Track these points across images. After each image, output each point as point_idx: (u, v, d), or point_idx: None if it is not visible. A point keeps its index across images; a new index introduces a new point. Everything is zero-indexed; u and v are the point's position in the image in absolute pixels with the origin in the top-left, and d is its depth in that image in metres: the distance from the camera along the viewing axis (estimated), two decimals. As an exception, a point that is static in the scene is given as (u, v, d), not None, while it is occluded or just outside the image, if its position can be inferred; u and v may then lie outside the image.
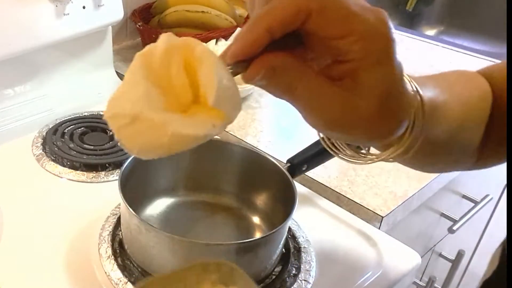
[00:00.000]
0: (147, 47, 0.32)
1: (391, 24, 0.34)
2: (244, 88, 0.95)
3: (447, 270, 1.12)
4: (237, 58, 0.33)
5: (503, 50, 1.45)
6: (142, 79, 0.28)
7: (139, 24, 1.08)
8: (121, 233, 0.64)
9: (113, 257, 0.62)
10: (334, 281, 0.64)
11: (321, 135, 0.45)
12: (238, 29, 1.04)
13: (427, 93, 0.40)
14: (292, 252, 0.65)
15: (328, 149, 0.44)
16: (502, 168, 0.49)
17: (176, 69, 0.29)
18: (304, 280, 0.62)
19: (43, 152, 0.81)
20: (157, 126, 0.28)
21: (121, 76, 1.06)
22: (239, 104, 0.31)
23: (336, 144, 0.45)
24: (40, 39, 0.85)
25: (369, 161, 0.43)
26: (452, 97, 0.44)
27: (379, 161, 0.42)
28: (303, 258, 0.65)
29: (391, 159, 0.41)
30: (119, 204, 0.68)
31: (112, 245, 0.64)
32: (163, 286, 0.41)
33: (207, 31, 1.06)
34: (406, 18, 1.67)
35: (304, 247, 0.66)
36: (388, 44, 0.34)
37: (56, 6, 0.85)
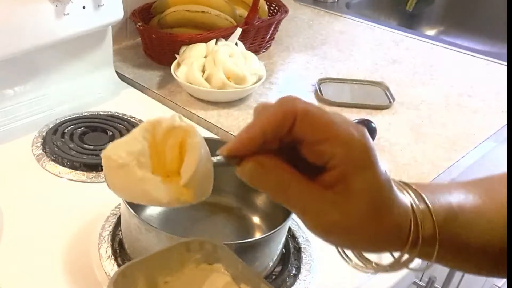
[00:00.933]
0: (158, 118, 0.36)
1: (369, 137, 0.37)
2: (244, 88, 0.95)
3: (447, 270, 1.12)
4: (230, 153, 0.37)
5: (503, 50, 1.45)
6: (142, 140, 0.34)
7: (139, 24, 1.08)
8: (121, 233, 0.64)
9: (113, 257, 0.62)
10: (334, 281, 0.64)
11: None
12: (238, 29, 1.04)
13: (451, 199, 0.41)
14: (292, 252, 0.65)
15: (341, 257, 0.45)
16: (502, 168, 0.49)
17: (173, 144, 0.35)
18: (304, 280, 0.62)
19: (43, 152, 0.81)
20: (136, 180, 0.34)
21: (121, 76, 1.06)
22: (207, 193, 0.36)
23: (347, 253, 0.45)
24: (40, 39, 0.85)
25: (382, 270, 0.43)
26: (489, 200, 0.43)
27: (393, 271, 0.42)
28: (303, 258, 0.65)
29: (405, 267, 0.41)
30: (119, 204, 0.68)
31: (112, 245, 0.64)
32: (146, 268, 0.41)
33: (207, 31, 1.06)
34: (406, 18, 1.67)
35: (304, 247, 0.66)
36: (367, 151, 0.36)
37: (56, 6, 0.85)
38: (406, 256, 0.40)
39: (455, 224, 0.41)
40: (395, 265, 0.41)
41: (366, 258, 0.43)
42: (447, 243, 0.41)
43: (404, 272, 0.66)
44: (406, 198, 0.39)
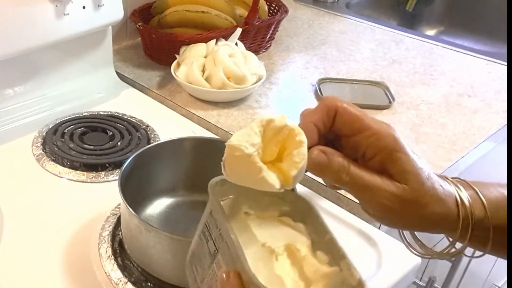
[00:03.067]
0: (272, 116, 0.41)
1: (395, 129, 0.43)
2: (244, 88, 0.95)
3: (447, 270, 1.12)
4: None
5: (503, 50, 1.45)
6: (258, 133, 0.40)
7: (139, 24, 1.08)
8: (121, 233, 0.64)
9: (113, 257, 0.62)
10: (334, 281, 0.64)
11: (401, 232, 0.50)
12: (238, 29, 1.04)
13: (501, 189, 0.45)
14: (292, 252, 0.65)
15: (403, 241, 0.49)
16: (502, 168, 0.49)
17: (279, 139, 0.41)
18: (304, 280, 0.62)
19: (43, 152, 0.81)
20: (256, 168, 0.40)
21: (121, 76, 1.06)
22: (301, 177, 0.41)
23: (408, 240, 0.49)
24: (40, 39, 0.85)
25: (436, 256, 0.48)
26: None
27: (447, 256, 0.47)
28: (303, 258, 0.65)
29: (459, 254, 0.46)
30: (119, 204, 0.68)
31: (112, 245, 0.64)
32: (240, 191, 0.43)
33: (207, 31, 1.06)
34: (406, 18, 1.67)
35: (304, 247, 0.66)
36: (397, 140, 0.42)
37: (56, 6, 0.85)
38: (458, 244, 0.44)
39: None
40: (449, 251, 0.45)
41: (422, 243, 0.47)
42: (501, 229, 0.43)
43: (404, 272, 0.67)
44: (448, 184, 0.43)
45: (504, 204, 0.44)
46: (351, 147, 0.43)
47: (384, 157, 0.41)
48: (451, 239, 0.45)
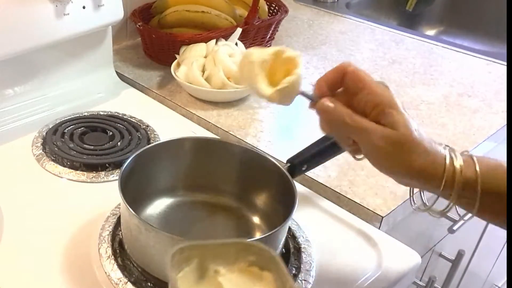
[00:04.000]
0: (285, 48, 0.57)
1: (393, 95, 0.51)
2: (244, 88, 0.95)
3: (447, 270, 1.12)
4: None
5: (503, 50, 1.45)
6: (271, 55, 0.56)
7: (139, 24, 1.08)
8: (121, 233, 0.64)
9: (113, 257, 0.62)
10: (334, 281, 0.64)
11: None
12: (238, 29, 1.04)
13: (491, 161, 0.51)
14: (292, 252, 0.65)
15: (410, 198, 0.60)
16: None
17: (286, 68, 0.56)
18: (304, 280, 0.62)
19: (43, 152, 0.81)
20: (254, 75, 0.55)
21: (121, 76, 1.06)
22: (287, 103, 0.57)
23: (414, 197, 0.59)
24: (40, 39, 0.85)
25: (434, 214, 0.55)
26: None
27: (438, 213, 0.55)
28: (303, 258, 0.65)
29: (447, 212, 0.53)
30: (119, 204, 0.68)
31: (112, 245, 0.64)
32: (203, 252, 0.44)
33: (207, 31, 1.06)
34: (406, 18, 1.67)
35: (304, 247, 0.66)
36: (390, 98, 0.51)
37: (56, 6, 0.85)
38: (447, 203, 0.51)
39: (500, 175, 0.50)
40: (443, 210, 0.53)
41: (423, 202, 0.56)
42: (491, 194, 0.49)
43: (404, 272, 0.67)
44: (439, 145, 0.51)
45: (498, 172, 0.50)
46: (356, 105, 0.52)
47: (379, 111, 0.50)
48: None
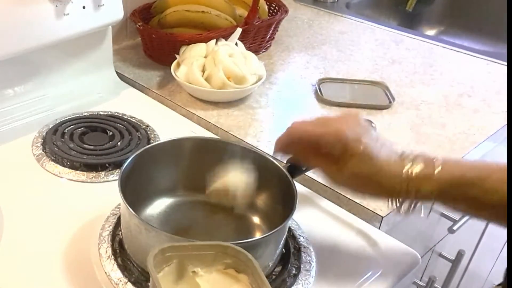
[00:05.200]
0: None
1: (346, 135, 0.57)
2: (244, 88, 0.95)
3: (447, 270, 1.12)
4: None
5: (503, 50, 1.45)
6: None
7: (139, 24, 1.08)
8: (121, 233, 0.64)
9: (113, 257, 0.62)
10: (334, 281, 0.64)
11: None
12: (238, 29, 1.04)
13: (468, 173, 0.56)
14: (292, 252, 0.65)
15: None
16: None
17: None
18: (304, 280, 0.62)
19: (43, 152, 0.81)
20: None
21: (121, 76, 1.06)
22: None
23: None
24: (40, 39, 0.85)
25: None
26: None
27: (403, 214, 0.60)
28: (303, 258, 0.65)
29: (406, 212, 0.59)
30: (119, 204, 0.68)
31: (112, 245, 0.64)
32: (182, 253, 0.46)
33: (207, 31, 1.06)
34: (406, 18, 1.67)
35: (304, 247, 0.66)
36: (345, 146, 0.57)
37: (56, 6, 0.85)
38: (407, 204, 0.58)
39: (462, 187, 0.55)
40: (400, 210, 0.59)
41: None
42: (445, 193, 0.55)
43: (404, 272, 0.67)
44: (399, 162, 0.56)
45: (455, 181, 0.55)
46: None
47: (337, 157, 0.57)
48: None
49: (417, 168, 0.56)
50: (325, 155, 0.58)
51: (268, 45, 1.20)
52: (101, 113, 0.92)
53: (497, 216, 0.56)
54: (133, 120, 0.90)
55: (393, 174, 0.56)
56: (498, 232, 1.34)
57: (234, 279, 0.47)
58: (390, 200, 0.58)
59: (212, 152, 0.70)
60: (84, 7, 0.89)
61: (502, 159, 0.56)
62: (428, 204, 0.58)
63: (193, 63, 0.97)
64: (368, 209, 0.74)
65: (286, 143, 0.61)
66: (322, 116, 0.61)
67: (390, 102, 1.00)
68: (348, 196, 0.76)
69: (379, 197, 0.60)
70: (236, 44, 1.04)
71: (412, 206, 0.58)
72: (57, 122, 0.88)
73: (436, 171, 0.55)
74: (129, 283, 0.59)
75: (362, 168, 0.56)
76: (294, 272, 0.63)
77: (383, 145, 0.58)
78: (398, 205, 0.58)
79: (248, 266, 0.46)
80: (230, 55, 0.98)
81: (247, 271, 0.47)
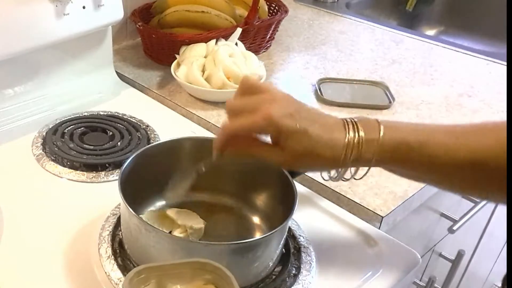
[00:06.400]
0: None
1: (275, 114, 0.55)
2: (244, 88, 0.95)
3: (447, 270, 1.12)
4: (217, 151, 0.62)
5: (503, 50, 1.45)
6: None
7: (139, 24, 1.08)
8: (121, 233, 0.64)
9: (113, 257, 0.62)
10: (334, 281, 0.64)
11: None
12: (238, 29, 1.04)
13: (410, 138, 0.56)
14: (292, 252, 0.65)
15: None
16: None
17: None
18: (304, 280, 0.62)
19: (43, 152, 0.81)
20: None
21: (121, 76, 1.06)
22: None
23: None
24: (40, 39, 0.85)
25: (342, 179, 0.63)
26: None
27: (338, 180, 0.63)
28: (303, 258, 0.65)
29: (354, 178, 0.61)
30: (119, 204, 0.68)
31: (112, 245, 0.64)
32: (159, 273, 0.46)
33: (207, 31, 1.06)
34: (406, 18, 1.67)
35: (304, 247, 0.66)
36: (278, 128, 0.55)
37: (56, 6, 0.85)
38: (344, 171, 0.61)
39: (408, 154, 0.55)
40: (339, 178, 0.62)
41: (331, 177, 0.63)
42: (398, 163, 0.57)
43: (404, 272, 0.67)
44: (340, 131, 0.56)
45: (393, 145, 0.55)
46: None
47: (274, 140, 0.57)
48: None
49: (358, 135, 0.56)
50: (264, 143, 0.59)
51: (268, 45, 1.20)
52: (101, 113, 0.92)
53: (449, 179, 0.57)
54: (133, 120, 0.90)
55: (334, 143, 0.56)
56: (498, 232, 1.34)
57: None
58: (332, 169, 0.60)
59: (212, 152, 0.69)
60: (84, 7, 0.89)
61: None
62: (365, 168, 0.59)
63: (193, 63, 0.97)
64: (368, 209, 0.74)
65: (223, 143, 0.60)
66: (248, 98, 0.58)
67: (390, 102, 1.00)
68: (348, 196, 0.76)
69: (324, 169, 0.61)
70: (236, 44, 1.04)
71: (350, 171, 0.60)
72: (57, 122, 0.88)
73: (379, 136, 0.55)
74: (129, 283, 0.59)
75: (302, 144, 0.55)
76: (294, 272, 0.63)
77: (320, 116, 0.57)
78: (339, 172, 0.60)
79: (227, 282, 0.47)
80: (230, 55, 0.98)
81: (225, 287, 0.47)
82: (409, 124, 0.57)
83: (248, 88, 0.59)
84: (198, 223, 0.65)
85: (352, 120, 0.57)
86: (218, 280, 0.47)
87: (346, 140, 0.56)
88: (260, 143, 0.59)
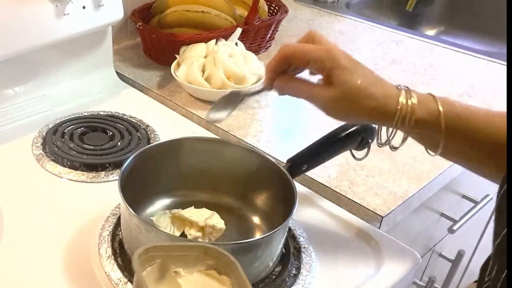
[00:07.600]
0: None
1: (337, 52, 0.56)
2: (244, 88, 0.95)
3: (447, 270, 1.12)
4: (267, 84, 0.62)
5: (503, 50, 1.45)
6: None
7: (139, 24, 1.08)
8: (121, 233, 0.64)
9: (113, 257, 0.62)
10: (334, 281, 0.64)
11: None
12: (238, 29, 1.04)
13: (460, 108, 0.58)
14: (292, 252, 0.65)
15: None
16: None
17: None
18: (304, 280, 0.62)
19: (43, 152, 0.81)
20: None
21: (121, 76, 1.06)
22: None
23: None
24: (40, 39, 0.85)
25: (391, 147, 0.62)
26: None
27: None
28: (303, 258, 0.65)
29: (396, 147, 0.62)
30: (119, 204, 0.68)
31: (112, 245, 0.64)
32: (165, 253, 0.47)
33: (207, 31, 1.06)
34: (406, 18, 1.67)
35: (304, 247, 0.66)
36: (333, 59, 0.55)
37: (56, 6, 0.85)
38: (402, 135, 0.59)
39: (456, 118, 0.56)
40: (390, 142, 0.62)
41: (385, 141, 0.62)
42: (455, 138, 0.57)
43: (404, 272, 0.67)
44: (394, 88, 0.58)
45: (462, 118, 0.57)
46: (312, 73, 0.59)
47: (326, 75, 0.56)
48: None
49: (411, 96, 0.56)
50: (312, 82, 0.58)
51: (268, 45, 1.20)
52: (101, 113, 0.92)
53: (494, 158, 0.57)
54: (133, 120, 0.90)
55: (388, 91, 0.56)
56: (498, 232, 1.34)
57: (215, 280, 0.47)
58: (381, 126, 0.60)
59: (212, 152, 0.70)
60: (84, 7, 0.89)
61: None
62: (409, 135, 0.59)
63: (193, 63, 0.97)
64: (368, 209, 0.74)
65: (278, 62, 0.59)
66: (314, 35, 0.59)
67: (390, 102, 1.00)
68: (348, 196, 0.76)
69: (371, 119, 0.59)
70: (236, 44, 1.04)
71: (394, 135, 0.59)
72: (57, 122, 0.88)
73: (435, 101, 0.56)
74: (129, 283, 0.59)
75: (355, 79, 0.55)
76: (294, 272, 0.63)
77: (376, 75, 0.58)
78: (387, 135, 0.60)
79: (231, 268, 0.47)
80: (230, 55, 0.98)
81: (229, 273, 0.47)
82: (455, 101, 0.59)
83: (311, 38, 0.59)
84: (219, 223, 0.66)
85: (405, 87, 0.58)
86: (221, 266, 0.47)
87: (401, 99, 0.56)
88: (308, 81, 0.59)
